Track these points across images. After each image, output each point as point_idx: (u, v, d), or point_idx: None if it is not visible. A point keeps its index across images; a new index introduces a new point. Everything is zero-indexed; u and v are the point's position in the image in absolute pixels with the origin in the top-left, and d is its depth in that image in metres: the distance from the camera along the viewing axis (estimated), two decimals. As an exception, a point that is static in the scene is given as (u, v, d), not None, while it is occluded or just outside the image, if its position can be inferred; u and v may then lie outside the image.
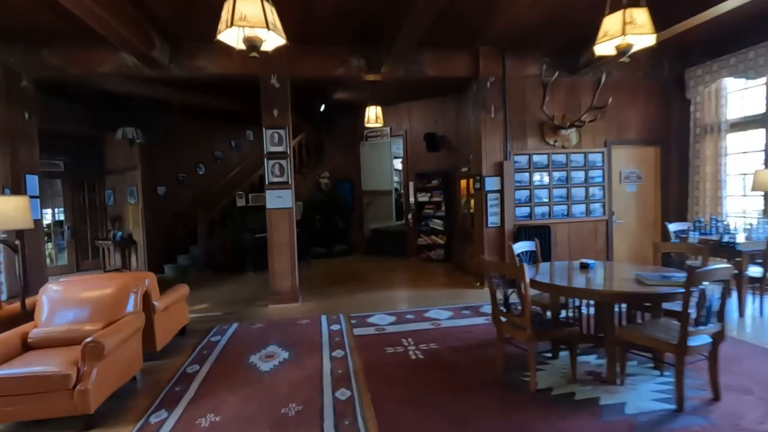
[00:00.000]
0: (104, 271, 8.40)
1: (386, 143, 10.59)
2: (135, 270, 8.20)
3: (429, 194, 8.39)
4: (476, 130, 6.01)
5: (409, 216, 8.85)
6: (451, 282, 6.47)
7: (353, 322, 4.59)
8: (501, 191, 5.82)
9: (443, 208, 8.19)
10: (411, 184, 8.83)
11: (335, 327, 4.43)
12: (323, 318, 4.75)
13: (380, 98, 7.71)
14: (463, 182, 7.31)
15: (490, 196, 5.81)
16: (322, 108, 8.28)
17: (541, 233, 5.80)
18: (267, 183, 5.37)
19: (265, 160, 5.36)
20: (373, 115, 6.82)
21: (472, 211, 6.53)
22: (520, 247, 3.91)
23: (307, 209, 9.28)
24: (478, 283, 6.00)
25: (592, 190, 6.12)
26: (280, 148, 5.34)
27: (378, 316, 4.78)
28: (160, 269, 8.03)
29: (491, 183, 5.81)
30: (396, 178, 11.35)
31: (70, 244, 8.63)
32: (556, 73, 5.58)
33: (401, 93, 8.09)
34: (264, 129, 5.36)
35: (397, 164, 11.35)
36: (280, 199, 5.36)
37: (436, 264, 8.08)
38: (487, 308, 4.71)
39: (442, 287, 6.13)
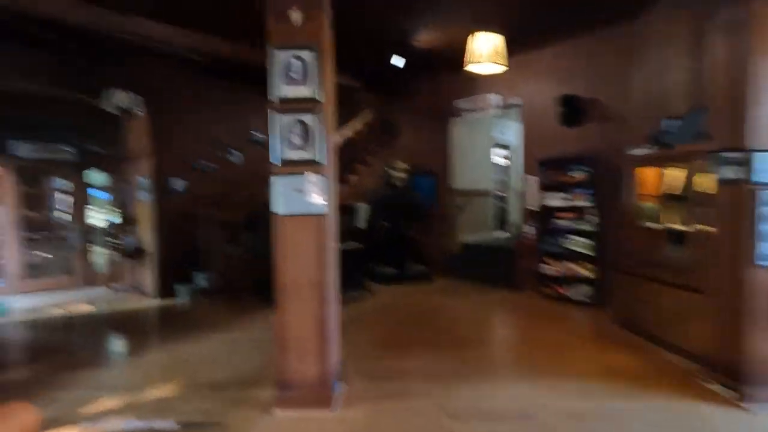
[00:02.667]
0: (111, 289, 6.43)
1: (487, 122, 7.51)
2: (144, 289, 6.13)
3: (564, 194, 5.19)
4: (735, 71, 2.79)
5: (526, 228, 5.70)
6: (635, 365, 3.26)
7: None
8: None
9: (591, 218, 4.94)
10: (530, 179, 5.69)
11: None
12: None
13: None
14: (650, 172, 4.00)
15: None
16: (402, 63, 5.47)
17: None
18: (274, 161, 2.69)
19: (272, 116, 2.68)
20: (484, 48, 3.86)
21: (703, 228, 3.28)
22: None
23: (369, 212, 6.58)
24: (735, 394, 2.75)
25: None
26: (303, 90, 2.61)
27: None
28: (171, 291, 5.84)
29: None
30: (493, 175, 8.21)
31: (79, 251, 6.83)
32: None
33: (519, 37, 4.99)
34: (271, 51, 2.66)
35: (495, 155, 8.20)
36: (300, 196, 2.65)
37: (574, 308, 4.87)
38: None
39: (617, 377, 2.98)
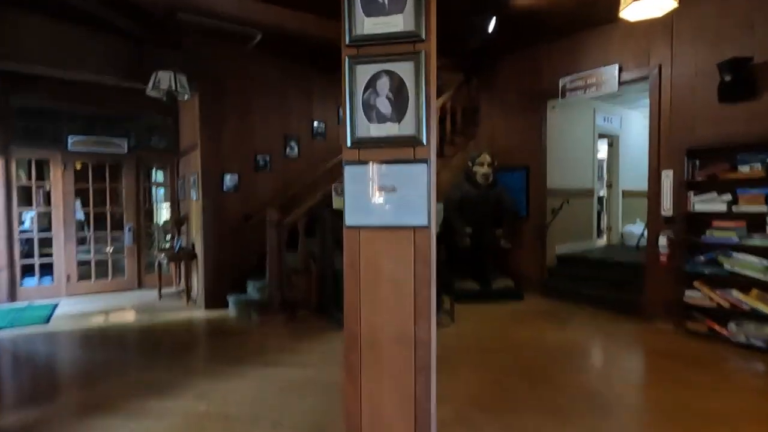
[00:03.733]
0: (159, 295, 5.91)
1: (588, 107, 6.16)
2: (194, 295, 5.52)
3: (724, 196, 3.78)
4: None
5: (663, 239, 4.31)
6: None
7: None
8: None
9: (771, 230, 3.50)
10: (667, 176, 4.30)
11: None
12: None
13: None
14: None
15: None
16: (491, 26, 4.31)
17: None
18: (347, 143, 1.68)
19: (350, 66, 1.66)
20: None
21: None
22: None
23: (446, 216, 5.49)
24: None
25: None
26: (396, 21, 1.58)
27: None
28: (221, 301, 5.16)
29: None
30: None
31: (131, 251, 6.42)
32: None
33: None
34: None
35: (597, 147, 6.76)
36: (393, 198, 1.63)
37: (741, 355, 3.46)
38: None
39: None
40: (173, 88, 4.16)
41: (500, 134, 6.02)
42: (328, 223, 4.51)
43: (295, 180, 5.78)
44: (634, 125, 7.16)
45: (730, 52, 3.78)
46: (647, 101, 4.59)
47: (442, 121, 5.97)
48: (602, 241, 7.12)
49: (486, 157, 5.47)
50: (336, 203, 4.66)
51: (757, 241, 3.58)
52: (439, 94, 6.08)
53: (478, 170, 5.47)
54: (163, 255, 5.71)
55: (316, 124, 6.01)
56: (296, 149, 5.84)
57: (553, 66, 5.31)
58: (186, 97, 4.41)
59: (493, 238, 5.53)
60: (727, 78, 3.75)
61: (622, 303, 4.72)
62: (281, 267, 4.54)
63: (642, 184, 4.77)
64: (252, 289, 5.16)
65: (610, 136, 6.85)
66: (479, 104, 6.28)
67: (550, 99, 5.49)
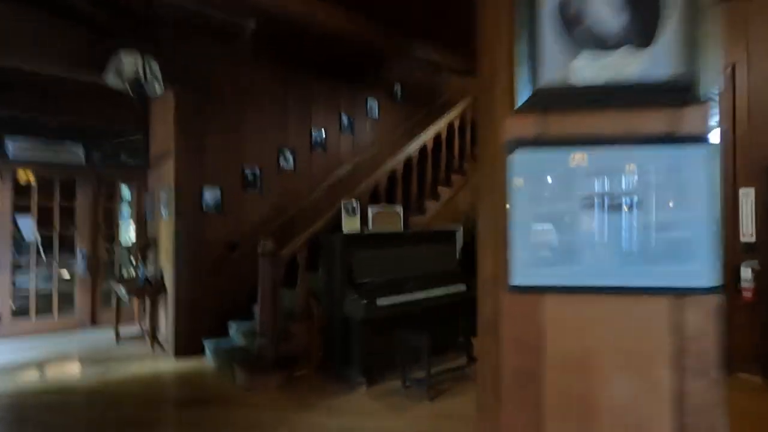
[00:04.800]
0: (116, 337, 4.78)
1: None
2: (161, 339, 4.43)
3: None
4: None
5: (747, 271, 3.56)
6: None
7: None
8: None
9: None
10: (746, 194, 3.60)
11: None
12: None
13: None
14: None
15: None
16: None
17: None
18: (515, 97, 0.79)
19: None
20: None
21: None
22: None
23: (468, 242, 4.65)
24: None
25: None
26: None
27: None
28: (196, 347, 4.10)
29: None
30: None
31: (84, 282, 5.27)
32: None
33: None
34: None
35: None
36: (632, 224, 0.74)
37: None
38: None
39: None
40: (141, 76, 3.21)
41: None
42: (337, 253, 3.57)
43: (292, 199, 4.83)
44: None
45: (830, 48, 3.16)
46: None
47: (461, 134, 5.20)
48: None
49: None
50: (348, 225, 3.74)
51: None
52: (451, 104, 5.38)
53: (508, 188, 4.67)
54: (121, 287, 4.60)
55: (315, 133, 5.13)
56: (292, 161, 4.92)
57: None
58: (158, 91, 3.46)
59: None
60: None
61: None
62: (276, 311, 3.54)
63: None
64: (236, 333, 4.12)
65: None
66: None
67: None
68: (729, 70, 3.71)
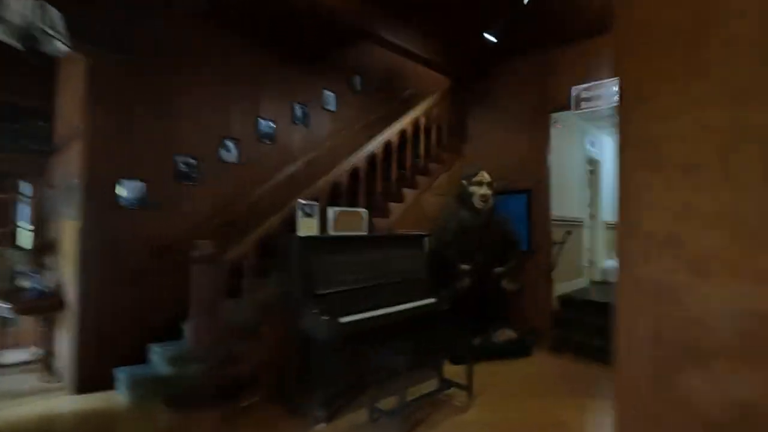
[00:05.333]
0: (4, 367, 3.75)
1: (583, 127, 5.51)
2: (59, 369, 3.50)
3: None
4: None
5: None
6: None
7: None
8: None
9: None
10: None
11: None
12: None
13: None
14: None
15: None
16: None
17: None
18: None
19: None
20: None
21: None
22: None
23: (436, 249, 4.26)
24: None
25: None
26: None
27: None
28: (105, 378, 3.26)
29: None
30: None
31: (-46, 296, 4.11)
32: None
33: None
34: None
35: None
36: None
37: None
38: None
39: None
40: (35, 26, 2.42)
41: (493, 151, 5.03)
42: (294, 258, 2.97)
43: (237, 195, 4.14)
44: (608, 151, 6.74)
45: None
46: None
47: (427, 133, 4.83)
48: (582, 279, 6.42)
49: (484, 175, 4.39)
50: (304, 227, 3.16)
51: None
52: (416, 100, 5.02)
53: (476, 191, 4.35)
54: (4, 302, 3.59)
55: (263, 122, 4.48)
56: (236, 153, 4.23)
57: (563, 73, 4.51)
58: (61, 49, 2.66)
59: (496, 277, 4.40)
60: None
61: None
62: (217, 328, 2.86)
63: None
64: (159, 359, 3.34)
65: (592, 162, 6.29)
66: (467, 116, 5.28)
67: (555, 112, 4.66)
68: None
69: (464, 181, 4.43)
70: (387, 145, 4.28)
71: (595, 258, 6.38)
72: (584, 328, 4.49)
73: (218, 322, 2.91)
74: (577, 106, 4.36)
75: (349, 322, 2.84)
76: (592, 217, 6.32)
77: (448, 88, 5.09)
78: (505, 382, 3.57)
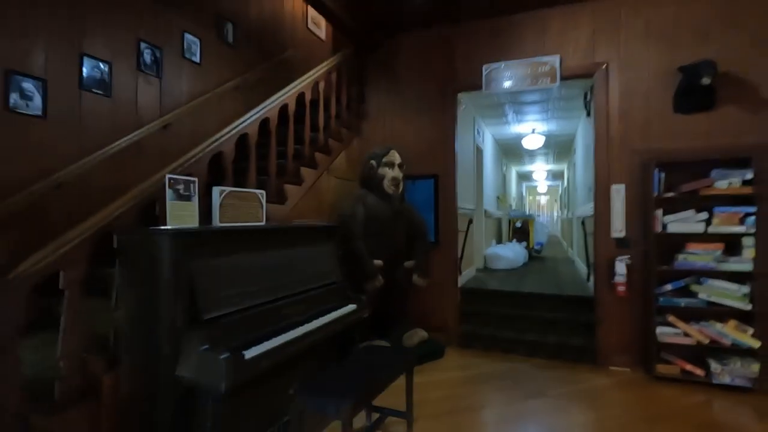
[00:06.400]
0: None
1: (472, 115, 5.43)
2: None
3: (699, 215, 3.31)
4: None
5: (621, 266, 3.60)
6: None
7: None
8: None
9: (748, 251, 3.17)
10: (617, 191, 3.67)
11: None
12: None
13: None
14: None
15: None
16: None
17: None
18: None
19: None
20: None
21: None
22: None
23: (343, 242, 3.51)
24: None
25: None
26: None
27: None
28: None
29: None
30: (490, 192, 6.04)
31: None
32: None
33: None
34: None
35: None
36: None
37: (727, 400, 2.94)
38: None
39: None
40: None
41: (395, 131, 4.48)
42: (162, 265, 1.85)
43: (40, 167, 2.63)
44: (488, 141, 6.94)
45: (684, 58, 3.44)
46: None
47: (326, 103, 4.00)
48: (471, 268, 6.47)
49: (396, 155, 3.80)
50: (176, 216, 2.05)
51: (733, 265, 3.20)
52: (302, 62, 4.11)
53: (387, 173, 3.73)
54: None
55: (91, 63, 3.00)
56: (39, 101, 2.69)
57: (472, 51, 4.19)
58: None
59: (405, 272, 3.87)
60: (688, 84, 3.36)
61: (567, 348, 3.83)
62: (8, 388, 1.57)
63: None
64: None
65: (478, 151, 6.33)
66: (367, 90, 4.59)
67: (463, 92, 4.35)
68: (604, 68, 3.74)
69: (372, 162, 3.75)
70: (283, 111, 3.31)
71: (474, 247, 6.48)
72: (492, 320, 4.34)
73: (10, 378, 1.62)
74: (488, 86, 4.10)
75: (259, 356, 1.89)
76: (477, 206, 6.39)
77: (349, 53, 4.31)
78: (440, 397, 3.05)
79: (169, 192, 2.00)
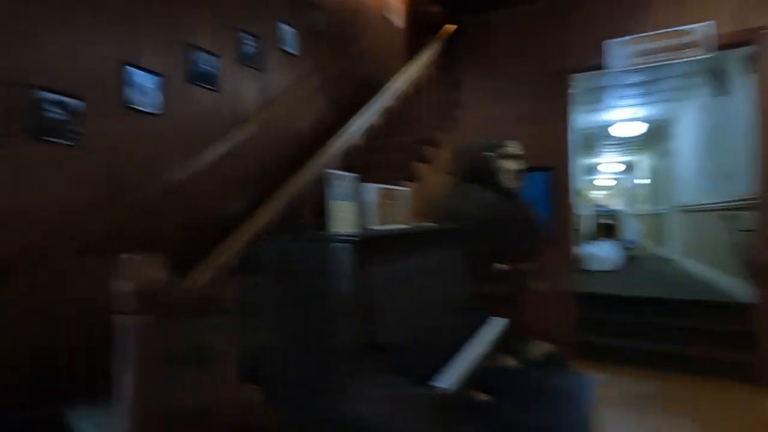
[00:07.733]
0: None
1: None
2: None
3: None
4: None
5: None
6: None
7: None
8: None
9: None
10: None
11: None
12: None
13: None
14: None
15: None
16: None
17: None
18: None
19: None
20: None
21: None
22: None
23: (467, 246, 3.11)
24: None
25: None
26: None
27: None
28: None
29: None
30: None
31: None
32: None
33: None
34: None
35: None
36: None
37: None
38: None
39: None
40: None
41: (492, 119, 4.04)
42: (336, 279, 1.51)
43: (152, 167, 2.39)
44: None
45: None
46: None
47: (427, 91, 3.62)
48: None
49: (515, 146, 3.37)
50: (340, 218, 1.72)
51: None
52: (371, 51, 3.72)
53: (504, 166, 3.30)
54: None
55: (199, 56, 2.76)
56: (155, 95, 2.46)
57: (588, 27, 3.70)
58: None
59: (523, 276, 3.43)
60: None
61: (716, 363, 3.28)
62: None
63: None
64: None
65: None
66: (461, 79, 4.19)
67: (577, 73, 3.87)
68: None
69: (487, 154, 3.34)
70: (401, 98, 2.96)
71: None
72: (615, 328, 3.85)
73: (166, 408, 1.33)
74: (613, 65, 3.59)
75: (452, 389, 1.52)
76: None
77: (449, 37, 3.92)
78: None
79: (331, 190, 1.68)
